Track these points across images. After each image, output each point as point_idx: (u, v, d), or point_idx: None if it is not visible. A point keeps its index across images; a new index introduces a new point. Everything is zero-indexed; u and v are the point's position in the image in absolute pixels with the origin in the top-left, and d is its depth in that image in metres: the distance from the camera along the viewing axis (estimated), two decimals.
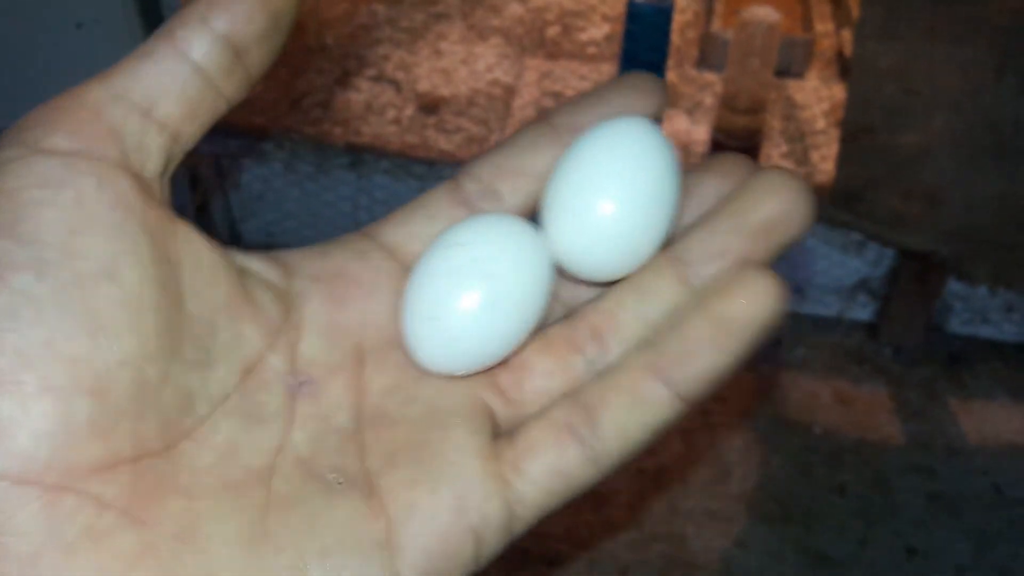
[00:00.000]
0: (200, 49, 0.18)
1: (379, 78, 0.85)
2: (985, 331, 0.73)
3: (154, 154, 0.18)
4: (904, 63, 0.60)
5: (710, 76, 0.83)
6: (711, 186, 0.22)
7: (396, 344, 0.21)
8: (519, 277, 0.20)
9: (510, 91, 0.82)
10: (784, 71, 0.82)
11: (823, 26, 0.88)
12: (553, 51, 0.88)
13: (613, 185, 0.20)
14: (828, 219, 0.68)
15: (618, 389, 0.19)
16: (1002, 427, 0.67)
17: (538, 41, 0.90)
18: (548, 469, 0.19)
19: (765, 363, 0.72)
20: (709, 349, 0.19)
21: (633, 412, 0.19)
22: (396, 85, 0.84)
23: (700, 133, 0.76)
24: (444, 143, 0.76)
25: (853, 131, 0.62)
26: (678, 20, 0.88)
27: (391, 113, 0.80)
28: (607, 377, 0.20)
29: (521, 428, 0.20)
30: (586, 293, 0.23)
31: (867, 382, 0.70)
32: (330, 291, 0.21)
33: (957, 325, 0.73)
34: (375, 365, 0.21)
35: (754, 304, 0.19)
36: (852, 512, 0.61)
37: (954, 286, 0.71)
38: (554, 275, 0.21)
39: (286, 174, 0.79)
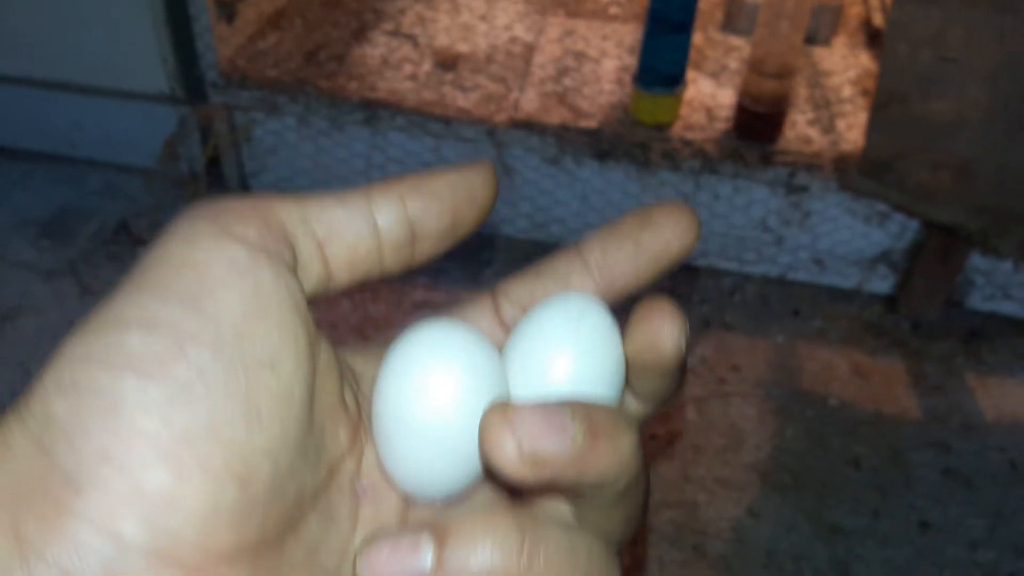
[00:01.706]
0: (386, 219, 0.20)
1: (396, 32, 0.83)
2: (1007, 307, 0.72)
3: (311, 280, 0.19)
4: (941, 29, 0.58)
5: (736, 40, 0.81)
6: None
7: None
8: (472, 399, 0.20)
9: (530, 49, 0.80)
10: (811, 38, 0.80)
11: None
12: (575, 9, 0.86)
13: (557, 359, 0.20)
14: (854, 189, 0.67)
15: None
16: (1020, 404, 0.66)
17: None
18: None
19: (782, 333, 0.71)
20: None
21: None
22: (413, 40, 0.82)
23: (725, 97, 0.74)
24: (462, 100, 0.74)
25: (884, 99, 0.61)
26: None
27: (408, 68, 0.78)
28: None
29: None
30: None
31: (884, 355, 0.69)
32: None
33: (978, 301, 0.72)
34: None
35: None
36: (866, 485, 0.61)
37: (976, 261, 0.70)
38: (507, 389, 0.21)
39: (299, 129, 0.78)
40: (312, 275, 0.19)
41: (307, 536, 0.18)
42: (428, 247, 0.20)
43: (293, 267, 0.19)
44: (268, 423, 0.17)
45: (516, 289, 0.23)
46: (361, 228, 0.19)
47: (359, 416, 0.20)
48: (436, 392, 0.19)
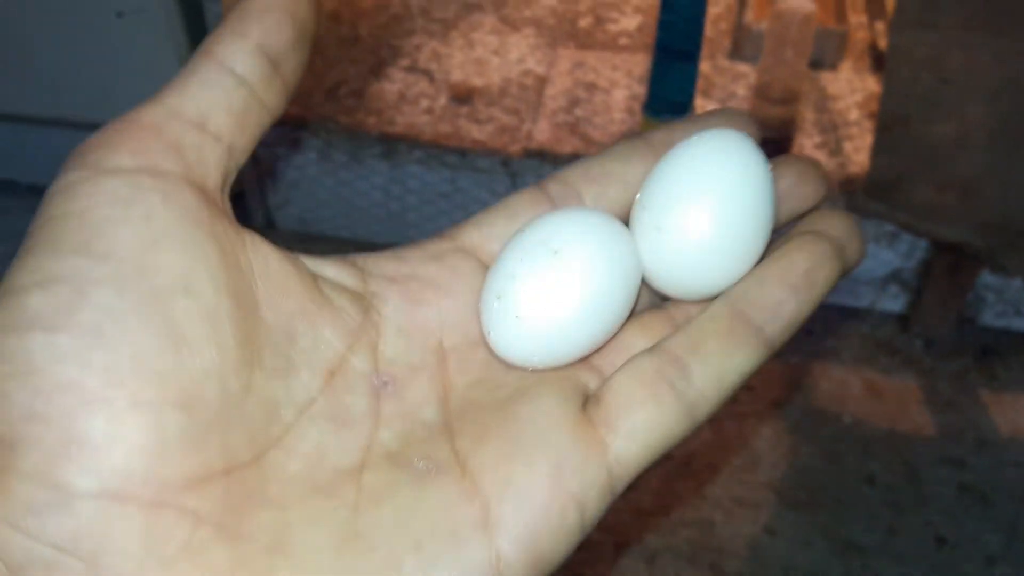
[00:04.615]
0: (240, 61, 0.19)
1: (412, 68, 0.86)
2: (1018, 324, 0.72)
3: (212, 167, 0.18)
4: (940, 52, 0.59)
5: (743, 67, 0.83)
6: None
7: (478, 342, 0.21)
8: (600, 267, 0.20)
9: (542, 81, 0.83)
10: (818, 62, 0.82)
11: (857, 17, 0.88)
12: (585, 41, 0.88)
13: (704, 202, 0.20)
14: (861, 210, 0.68)
15: (712, 335, 0.19)
16: None
17: (570, 31, 0.90)
18: (646, 424, 0.19)
19: (796, 353, 0.72)
20: (792, 298, 0.20)
21: (728, 358, 0.19)
22: (429, 75, 0.85)
23: None
24: (477, 133, 0.77)
25: (888, 121, 0.62)
26: (711, 11, 0.88)
27: (424, 103, 0.81)
28: (694, 328, 0.20)
29: (607, 386, 0.20)
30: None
31: (898, 373, 0.70)
32: (406, 292, 0.21)
33: (990, 318, 0.73)
34: (458, 362, 0.21)
35: (828, 261, 0.20)
36: (881, 501, 0.62)
37: (987, 278, 0.71)
38: (640, 278, 0.21)
39: (320, 163, 0.80)
40: (211, 161, 0.18)
41: (304, 445, 0.18)
42: (292, 65, 0.20)
43: (186, 174, 0.18)
44: (199, 346, 0.16)
45: (567, 173, 0.23)
46: (225, 85, 0.19)
47: (361, 311, 0.20)
48: (569, 278, 0.19)
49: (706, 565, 0.58)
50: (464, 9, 0.94)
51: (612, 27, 0.91)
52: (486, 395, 0.20)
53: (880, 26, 0.86)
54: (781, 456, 0.65)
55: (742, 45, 0.84)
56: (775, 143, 0.70)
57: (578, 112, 0.78)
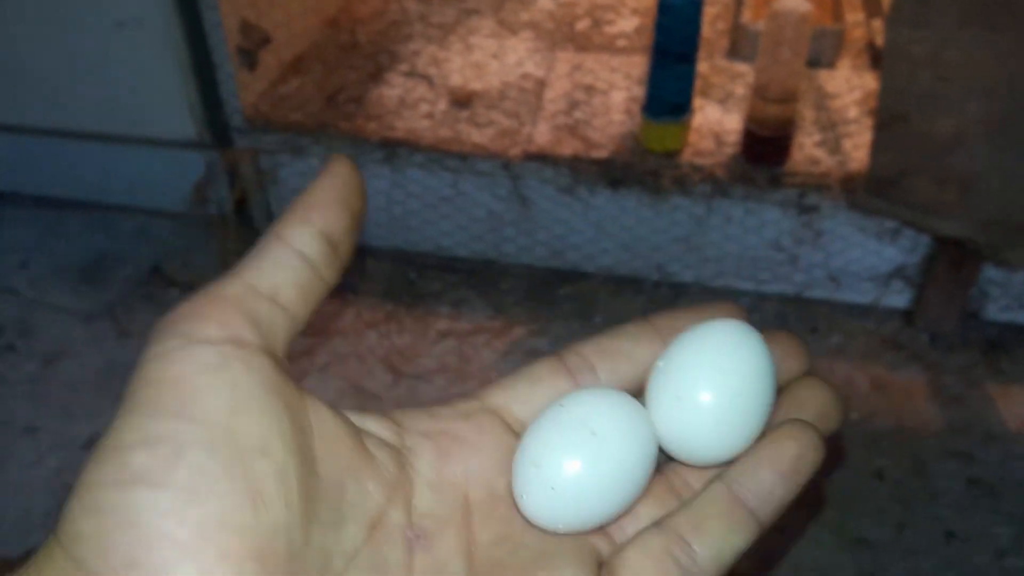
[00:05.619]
0: (305, 244, 0.21)
1: (412, 73, 0.86)
2: (1023, 317, 0.73)
3: (280, 334, 0.21)
4: (937, 50, 0.60)
5: (741, 67, 0.83)
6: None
7: (501, 498, 0.23)
8: (630, 449, 0.22)
9: (541, 84, 0.83)
10: (815, 61, 0.82)
11: (853, 16, 0.88)
12: (583, 44, 0.89)
13: (715, 379, 0.22)
14: (863, 207, 0.68)
15: (713, 517, 0.22)
16: None
17: (568, 34, 0.90)
18: None
19: None
20: (782, 484, 0.22)
21: (726, 539, 0.21)
22: (428, 80, 0.85)
23: (732, 122, 0.76)
24: (477, 136, 0.77)
25: (887, 119, 0.63)
26: (708, 11, 0.89)
27: (424, 107, 0.81)
28: (696, 508, 0.22)
29: (619, 559, 0.22)
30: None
31: (903, 368, 0.70)
32: (438, 447, 0.23)
33: (994, 311, 0.73)
34: (482, 518, 0.23)
35: (813, 449, 0.22)
36: (890, 497, 0.62)
37: (991, 272, 0.71)
38: (656, 458, 0.23)
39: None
40: (280, 329, 0.21)
41: None
42: (347, 246, 0.22)
43: (262, 344, 0.20)
44: (272, 503, 0.18)
45: (583, 346, 0.25)
46: (293, 264, 0.21)
47: (397, 465, 0.22)
48: (580, 455, 0.22)
49: None
50: (462, 14, 0.94)
51: (609, 29, 0.91)
52: (509, 555, 0.22)
53: (877, 24, 0.86)
54: None
55: (740, 45, 0.84)
56: (775, 142, 0.70)
57: (577, 114, 0.79)
